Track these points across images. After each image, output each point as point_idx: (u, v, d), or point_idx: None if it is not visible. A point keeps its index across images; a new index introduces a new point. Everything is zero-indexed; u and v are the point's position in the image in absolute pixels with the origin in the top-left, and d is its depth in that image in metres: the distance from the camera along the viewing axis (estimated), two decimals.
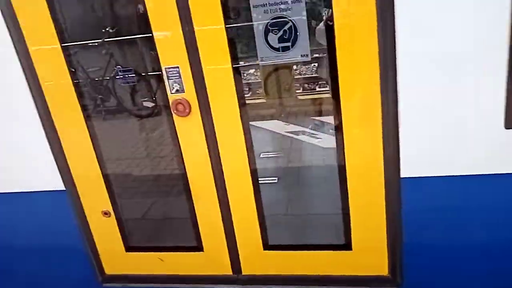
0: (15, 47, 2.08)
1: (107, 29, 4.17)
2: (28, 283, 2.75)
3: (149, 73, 5.54)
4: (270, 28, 1.84)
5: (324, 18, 2.56)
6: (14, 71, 2.13)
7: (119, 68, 4.63)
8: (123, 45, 4.79)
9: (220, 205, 2.29)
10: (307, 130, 4.18)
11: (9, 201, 2.47)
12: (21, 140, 2.30)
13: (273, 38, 1.85)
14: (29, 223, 2.54)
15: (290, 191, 3.13)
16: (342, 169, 2.09)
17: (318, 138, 4.03)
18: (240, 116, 2.05)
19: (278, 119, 4.52)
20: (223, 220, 2.33)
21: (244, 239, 2.36)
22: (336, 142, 2.10)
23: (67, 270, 2.64)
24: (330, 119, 4.44)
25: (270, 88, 4.61)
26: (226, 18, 1.86)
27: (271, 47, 1.87)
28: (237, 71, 2.00)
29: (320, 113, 4.56)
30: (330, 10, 1.72)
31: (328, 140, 3.98)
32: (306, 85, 4.80)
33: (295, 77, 4.72)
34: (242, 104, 2.05)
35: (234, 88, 1.99)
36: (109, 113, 4.57)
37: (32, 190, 2.41)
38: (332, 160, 3.65)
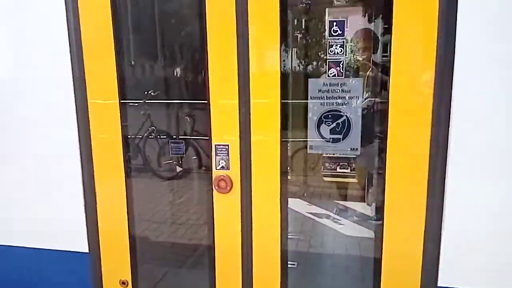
0: (75, 99, 2.17)
1: (149, 91, 4.37)
2: None
3: (180, 137, 5.70)
4: (324, 119, 1.87)
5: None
6: (69, 122, 2.19)
7: (153, 128, 4.79)
8: (161, 108, 4.98)
9: (242, 285, 2.18)
10: (331, 214, 4.10)
11: (26, 256, 2.40)
12: (56, 192, 2.29)
13: (325, 129, 1.88)
14: (41, 280, 2.44)
15: (310, 279, 2.97)
16: (377, 263, 1.99)
17: (341, 224, 3.93)
18: (280, 194, 2.02)
19: (300, 198, 4.45)
20: None
21: None
22: (375, 231, 2.02)
23: None
24: (354, 205, 4.39)
25: (296, 164, 4.61)
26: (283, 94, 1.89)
27: (322, 137, 1.89)
28: (283, 147, 2.01)
29: (345, 197, 4.49)
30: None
31: (350, 228, 3.89)
32: (333, 166, 4.79)
33: (323, 155, 4.73)
34: (283, 181, 2.03)
35: (279, 165, 1.98)
36: (134, 171, 4.58)
37: (54, 249, 2.35)
38: (354, 250, 3.56)
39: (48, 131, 2.24)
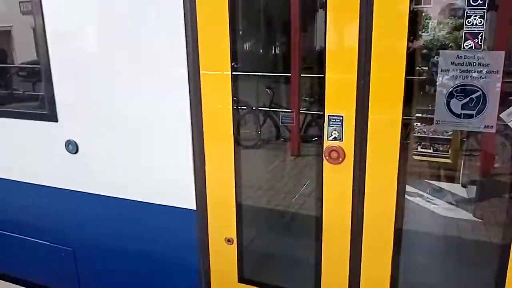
0: (188, 68, 2.24)
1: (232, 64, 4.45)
2: (133, 286, 2.83)
3: (259, 108, 5.78)
4: (455, 94, 1.75)
5: None
6: (181, 90, 2.28)
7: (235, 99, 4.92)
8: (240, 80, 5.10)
9: (350, 259, 2.18)
10: (424, 193, 3.94)
11: (138, 209, 2.60)
12: (168, 154, 2.43)
13: (456, 104, 1.76)
14: (150, 232, 2.64)
15: (408, 257, 2.92)
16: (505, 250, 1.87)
17: (434, 204, 3.77)
18: (398, 173, 1.96)
19: None
20: (350, 273, 2.20)
21: None
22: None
23: (174, 285, 2.68)
24: (447, 186, 4.18)
25: None
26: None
27: (452, 112, 1.77)
28: (404, 125, 1.93)
29: (437, 178, 4.29)
30: None
31: (446, 209, 3.73)
32: (427, 145, 4.59)
33: (415, 134, 4.54)
34: (403, 161, 1.96)
35: (399, 143, 1.91)
36: None
37: (164, 204, 2.53)
38: (453, 231, 3.42)
39: (163, 97, 2.35)
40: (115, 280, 2.87)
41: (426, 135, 4.64)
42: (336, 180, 2.09)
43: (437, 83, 1.79)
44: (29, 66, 3.06)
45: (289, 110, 3.21)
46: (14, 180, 2.95)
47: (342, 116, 1.98)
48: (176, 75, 2.28)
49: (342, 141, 2.02)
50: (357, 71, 1.90)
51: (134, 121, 2.46)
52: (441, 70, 1.76)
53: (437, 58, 2.01)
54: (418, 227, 3.50)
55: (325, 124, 2.04)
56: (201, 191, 2.43)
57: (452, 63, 1.75)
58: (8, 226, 3.11)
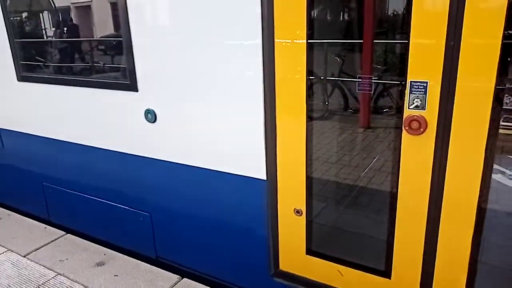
0: (263, 37, 2.21)
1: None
2: (203, 252, 2.96)
3: (327, 78, 5.59)
4: None
5: None
6: (255, 60, 2.26)
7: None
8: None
9: (426, 236, 2.08)
10: (506, 170, 3.64)
11: (211, 177, 2.67)
12: (240, 125, 2.45)
13: None
14: (221, 200, 2.71)
15: (491, 238, 2.73)
16: None
17: None
18: (486, 147, 1.80)
19: None
20: (424, 253, 2.11)
21: (443, 280, 2.11)
22: None
23: (243, 252, 2.75)
24: None
25: None
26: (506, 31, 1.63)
27: None
28: (497, 95, 1.76)
29: None
30: None
31: None
32: (510, 118, 4.19)
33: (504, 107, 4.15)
34: (491, 134, 1.80)
35: (489, 114, 1.75)
36: None
37: (236, 173, 2.57)
38: None
39: (237, 66, 2.35)
40: (187, 245, 3.02)
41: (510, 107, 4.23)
42: (415, 152, 1.97)
43: None
44: (108, 39, 3.21)
45: (366, 77, 3.04)
46: (96, 147, 3.17)
47: (427, 83, 1.84)
48: (250, 43, 2.26)
49: (424, 110, 1.89)
50: (446, 34, 1.74)
51: (209, 90, 2.50)
52: None
53: None
54: (499, 206, 3.26)
55: (406, 92, 1.91)
56: (272, 161, 2.43)
57: None
58: (92, 190, 3.38)
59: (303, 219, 2.47)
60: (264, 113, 2.34)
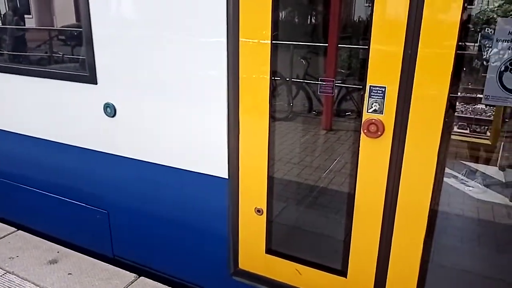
0: (227, 36, 2.20)
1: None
2: (162, 250, 2.92)
3: (292, 79, 5.66)
4: (510, 67, 1.64)
5: None
6: (219, 58, 2.25)
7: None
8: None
9: (381, 237, 2.15)
10: (459, 175, 3.82)
11: (171, 175, 2.63)
12: (203, 122, 2.42)
13: (509, 78, 1.65)
14: (181, 198, 2.68)
15: (441, 240, 2.86)
16: None
17: (469, 187, 3.66)
18: (438, 152, 1.88)
19: None
20: (379, 253, 2.18)
21: (396, 279, 2.19)
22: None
23: (202, 251, 2.73)
24: (484, 168, 4.03)
25: None
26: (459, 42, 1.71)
27: (504, 87, 1.67)
28: (451, 102, 1.84)
29: (475, 159, 4.14)
30: None
31: (480, 192, 3.61)
32: (463, 125, 4.40)
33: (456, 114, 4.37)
34: (444, 139, 1.88)
35: (442, 120, 1.83)
36: None
37: (196, 171, 2.55)
38: (486, 215, 3.33)
39: (200, 63, 2.33)
40: (146, 243, 2.96)
41: (463, 115, 4.45)
42: (373, 155, 2.03)
43: (491, 55, 1.68)
44: (68, 29, 3.09)
45: (329, 79, 3.10)
46: (51, 141, 3.04)
47: (385, 88, 1.90)
48: (215, 41, 2.24)
49: (382, 114, 1.95)
50: (404, 42, 1.80)
51: (172, 86, 2.46)
52: (497, 40, 1.64)
53: (488, 30, 1.88)
54: (450, 208, 3.42)
55: (365, 96, 1.97)
56: (234, 160, 2.43)
57: (510, 32, 1.63)
58: (46, 186, 3.24)
59: (263, 218, 2.48)
60: (228, 111, 2.33)
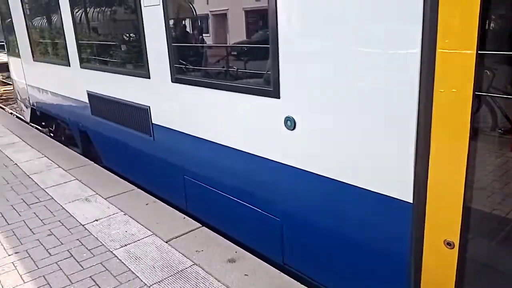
0: (422, 47, 2.00)
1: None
2: (331, 266, 2.85)
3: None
4: None
5: None
6: (409, 71, 2.07)
7: None
8: None
9: None
10: None
11: (347, 191, 2.54)
12: (386, 138, 2.26)
13: None
14: (356, 216, 2.56)
15: None
16: None
17: None
18: None
19: None
20: None
21: None
22: None
23: (378, 275, 2.56)
24: None
25: None
26: None
27: None
28: None
29: None
30: None
31: None
32: None
33: None
34: None
35: None
36: None
37: (375, 190, 2.39)
38: None
39: (388, 77, 2.18)
40: (316, 256, 2.95)
41: None
42: None
43: None
44: (243, 45, 3.30)
45: None
46: (234, 148, 3.30)
47: None
48: (405, 52, 2.07)
49: None
50: None
51: (353, 100, 2.38)
52: None
53: None
54: None
55: None
56: (421, 183, 2.19)
57: None
58: (227, 189, 3.54)
59: (454, 252, 2.17)
60: (417, 129, 2.12)
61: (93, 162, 5.76)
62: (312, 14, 2.47)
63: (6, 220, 4.14)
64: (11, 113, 10.79)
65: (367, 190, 2.43)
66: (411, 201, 2.25)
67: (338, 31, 2.36)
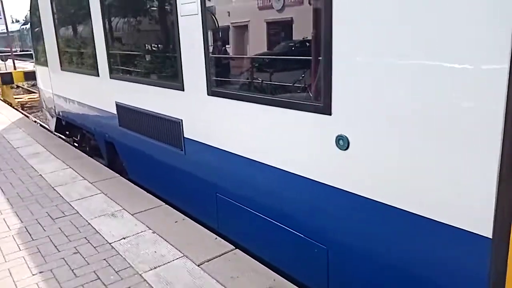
0: (510, 63, 1.74)
1: None
2: None
3: None
4: None
5: None
6: (494, 88, 1.80)
7: None
8: None
9: None
10: None
11: (406, 220, 2.27)
12: (457, 163, 2.00)
13: None
14: (416, 249, 2.29)
15: None
16: None
17: None
18: None
19: None
20: None
21: None
22: None
23: None
24: None
25: None
26: None
27: None
28: None
29: None
30: None
31: None
32: None
33: None
34: None
35: None
36: None
37: (443, 221, 2.12)
38: None
39: (463, 96, 1.92)
40: None
41: None
42: None
43: None
44: (289, 57, 3.08)
45: None
46: (275, 167, 3.06)
47: None
48: (489, 68, 1.81)
49: None
50: None
51: (413, 121, 2.13)
52: None
53: None
54: None
55: None
56: (504, 216, 1.91)
57: None
58: (265, 210, 3.29)
59: None
60: (501, 153, 1.85)
61: (118, 175, 5.60)
62: (374, 22, 2.24)
63: (30, 235, 3.97)
64: (35, 121, 10.83)
65: (431, 219, 2.16)
66: (490, 236, 1.96)
67: (401, 44, 2.11)
